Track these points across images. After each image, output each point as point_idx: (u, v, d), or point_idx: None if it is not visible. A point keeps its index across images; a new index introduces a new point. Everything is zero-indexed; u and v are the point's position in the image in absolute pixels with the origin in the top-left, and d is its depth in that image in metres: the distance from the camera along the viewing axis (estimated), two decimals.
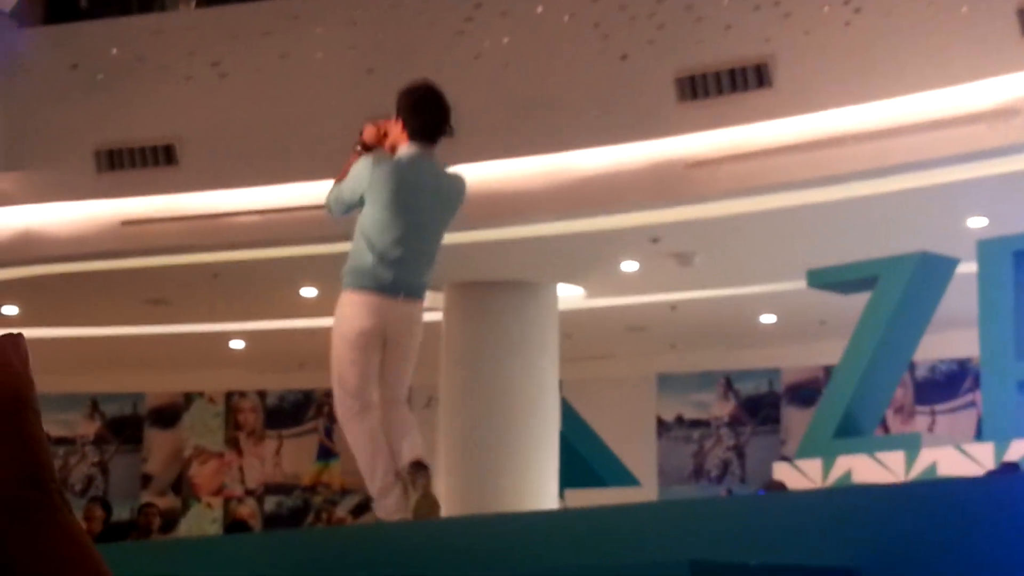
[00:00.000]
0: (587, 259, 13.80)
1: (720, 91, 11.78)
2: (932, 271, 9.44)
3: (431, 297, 15.18)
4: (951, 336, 13.76)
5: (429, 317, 16.49)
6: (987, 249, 9.21)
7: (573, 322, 15.30)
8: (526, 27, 12.52)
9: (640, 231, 12.87)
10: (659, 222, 12.69)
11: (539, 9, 12.61)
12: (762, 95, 11.66)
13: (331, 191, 6.50)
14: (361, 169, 6.40)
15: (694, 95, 11.90)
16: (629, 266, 14.09)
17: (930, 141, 11.08)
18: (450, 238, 13.76)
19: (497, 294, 14.43)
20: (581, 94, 12.36)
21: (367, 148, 6.47)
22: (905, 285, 9.26)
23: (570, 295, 14.91)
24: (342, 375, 6.39)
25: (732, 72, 11.75)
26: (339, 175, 6.52)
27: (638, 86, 12.15)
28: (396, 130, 6.46)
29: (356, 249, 6.41)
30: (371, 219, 6.34)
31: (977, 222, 12.32)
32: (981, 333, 9.07)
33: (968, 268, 9.45)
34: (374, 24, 13.18)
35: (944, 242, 10.70)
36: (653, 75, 12.10)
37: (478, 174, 12.64)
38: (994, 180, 11.38)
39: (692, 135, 11.99)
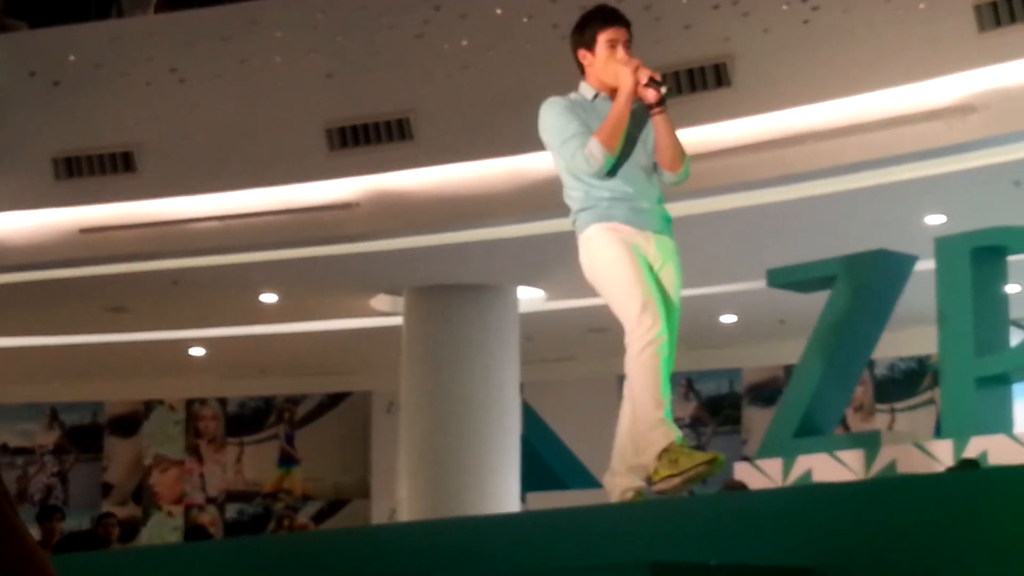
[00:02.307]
0: (547, 261, 13.78)
1: (679, 91, 11.78)
2: (890, 269, 9.43)
3: (391, 301, 15.22)
4: (910, 334, 13.79)
5: (388, 322, 16.46)
6: (945, 246, 9.20)
7: (534, 324, 15.28)
8: (485, 29, 12.50)
9: None
10: None
11: (498, 11, 12.59)
12: (721, 94, 11.67)
13: None
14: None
15: None
16: None
17: (888, 138, 11.11)
18: (410, 241, 13.80)
19: (457, 297, 14.40)
20: (540, 95, 12.29)
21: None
22: (864, 283, 9.25)
23: (530, 297, 14.89)
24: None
25: (691, 72, 11.75)
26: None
27: None
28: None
29: None
30: None
31: (935, 219, 12.37)
32: (940, 330, 9.08)
33: (926, 265, 9.46)
34: (333, 28, 13.12)
35: (902, 239, 10.71)
36: None
37: (437, 177, 12.65)
38: (952, 177, 11.42)
39: None
